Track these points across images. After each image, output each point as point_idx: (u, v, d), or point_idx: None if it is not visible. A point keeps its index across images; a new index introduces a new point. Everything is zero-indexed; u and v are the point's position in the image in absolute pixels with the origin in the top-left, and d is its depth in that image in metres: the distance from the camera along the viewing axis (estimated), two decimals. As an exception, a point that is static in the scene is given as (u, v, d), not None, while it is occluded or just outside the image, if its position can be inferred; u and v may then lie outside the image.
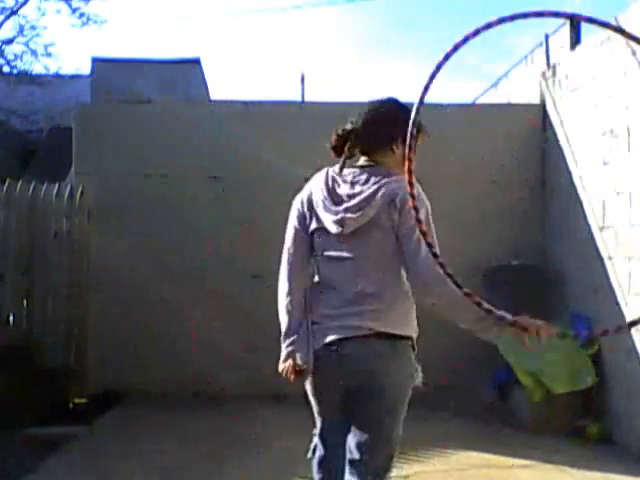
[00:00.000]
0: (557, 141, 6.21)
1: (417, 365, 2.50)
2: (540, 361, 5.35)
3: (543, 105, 6.50)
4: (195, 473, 4.42)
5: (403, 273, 2.45)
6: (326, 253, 2.51)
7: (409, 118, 2.41)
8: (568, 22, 6.43)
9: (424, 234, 2.32)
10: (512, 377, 5.44)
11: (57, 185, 6.32)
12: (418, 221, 2.33)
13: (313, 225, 2.53)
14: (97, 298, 6.43)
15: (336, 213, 2.45)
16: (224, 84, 27.28)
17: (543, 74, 6.55)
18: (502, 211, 6.43)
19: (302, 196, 2.60)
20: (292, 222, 2.59)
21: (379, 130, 2.56)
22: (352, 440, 2.48)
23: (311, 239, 2.54)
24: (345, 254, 2.46)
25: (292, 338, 2.46)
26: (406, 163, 2.33)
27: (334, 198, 2.48)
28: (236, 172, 6.41)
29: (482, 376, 5.78)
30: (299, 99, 7.51)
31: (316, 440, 2.60)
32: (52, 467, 4.52)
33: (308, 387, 2.56)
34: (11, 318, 6.05)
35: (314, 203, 2.53)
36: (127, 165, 6.49)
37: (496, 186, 6.51)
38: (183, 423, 5.53)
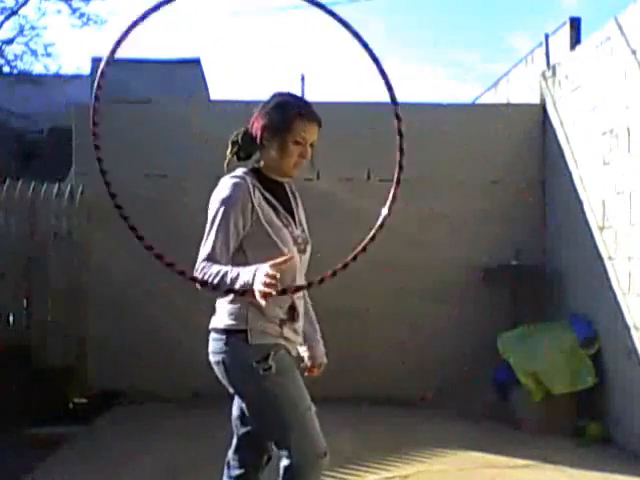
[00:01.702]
0: (557, 141, 6.21)
1: (255, 354, 2.43)
2: (540, 361, 5.35)
3: (543, 105, 6.50)
4: (195, 473, 4.42)
5: None
6: None
7: (266, 113, 2.56)
8: (568, 22, 6.43)
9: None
10: (512, 377, 5.44)
11: (57, 185, 6.33)
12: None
13: None
14: (97, 298, 6.43)
15: None
16: (224, 84, 27.27)
17: (543, 74, 6.55)
18: (502, 211, 6.43)
19: None
20: None
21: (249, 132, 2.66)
22: None
23: None
24: None
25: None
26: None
27: None
28: (236, 172, 6.41)
29: (482, 376, 5.78)
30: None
31: None
32: (52, 467, 4.52)
33: None
34: (11, 318, 6.05)
35: None
36: (127, 165, 6.49)
37: (496, 186, 6.51)
38: (183, 423, 5.53)
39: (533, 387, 5.31)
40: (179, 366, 6.24)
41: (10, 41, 13.61)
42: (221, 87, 32.88)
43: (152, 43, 28.69)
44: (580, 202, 5.72)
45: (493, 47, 32.99)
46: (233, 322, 2.48)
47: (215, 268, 2.32)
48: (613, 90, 5.21)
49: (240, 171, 2.57)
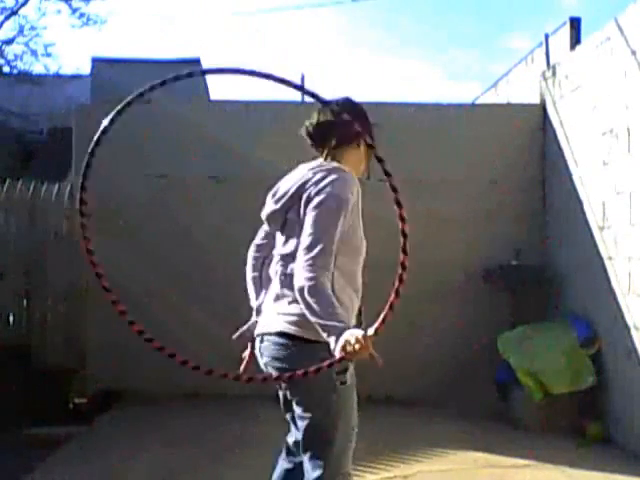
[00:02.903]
0: (557, 141, 6.21)
1: (345, 367, 2.42)
2: (540, 361, 5.35)
3: (543, 105, 6.50)
4: (195, 473, 4.42)
5: None
6: (273, 251, 2.59)
7: (361, 118, 2.50)
8: (568, 22, 6.43)
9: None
10: (512, 377, 5.44)
11: (57, 185, 6.33)
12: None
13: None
14: (97, 298, 6.43)
15: (267, 207, 2.56)
16: (224, 84, 27.28)
17: (543, 74, 6.55)
18: (502, 211, 6.43)
19: None
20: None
21: (327, 136, 2.53)
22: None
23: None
24: (277, 250, 2.53)
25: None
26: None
27: (273, 194, 2.57)
28: (236, 172, 6.41)
29: (482, 376, 5.78)
30: (299, 99, 7.49)
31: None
32: (52, 467, 4.52)
33: None
34: (11, 318, 6.06)
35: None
36: (127, 165, 6.49)
37: (496, 186, 6.50)
38: (183, 423, 5.53)
39: (533, 387, 5.31)
40: (179, 366, 6.23)
41: (10, 41, 13.59)
42: (221, 87, 32.89)
43: (152, 43, 28.71)
44: (580, 202, 5.72)
45: (493, 47, 32.99)
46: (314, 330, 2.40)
47: (328, 297, 2.25)
48: (613, 90, 5.21)
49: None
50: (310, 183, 2.39)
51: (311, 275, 2.25)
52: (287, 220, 2.46)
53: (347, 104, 2.57)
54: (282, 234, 2.50)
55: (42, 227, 6.24)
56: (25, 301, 6.15)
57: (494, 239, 6.40)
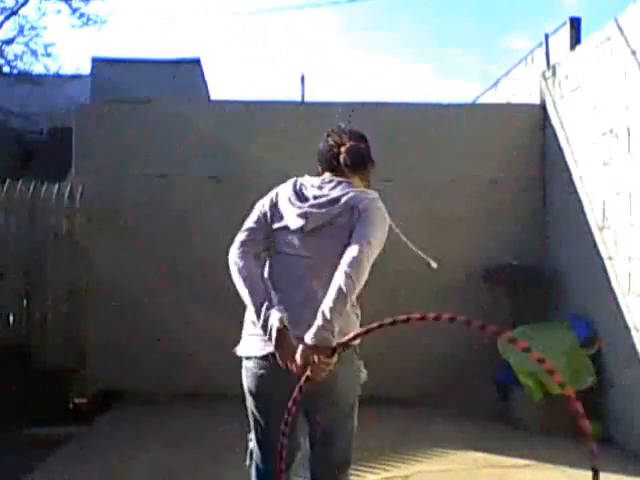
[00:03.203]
0: (557, 141, 6.21)
1: (361, 366, 2.62)
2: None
3: (543, 105, 6.50)
4: (195, 473, 4.42)
5: None
6: (284, 250, 2.54)
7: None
8: (568, 22, 6.43)
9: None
10: (512, 377, 5.44)
11: (57, 185, 6.33)
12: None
13: (275, 224, 2.58)
14: (97, 298, 6.43)
15: (300, 208, 2.53)
16: (224, 84, 27.25)
17: (543, 74, 6.55)
18: (502, 211, 6.43)
19: (267, 198, 2.67)
20: (252, 218, 2.65)
21: (362, 163, 2.71)
22: (310, 447, 2.63)
23: (270, 239, 2.60)
24: (302, 253, 2.50)
25: (267, 306, 2.48)
26: None
27: (300, 197, 2.58)
28: (236, 172, 6.41)
29: (482, 376, 5.78)
30: (299, 99, 7.49)
31: (252, 445, 2.81)
32: (52, 467, 4.52)
33: (251, 391, 2.66)
34: (11, 318, 6.06)
35: (279, 202, 2.60)
36: (127, 165, 6.49)
37: (496, 186, 6.51)
38: (183, 423, 5.53)
39: (533, 387, 5.31)
40: (179, 366, 6.24)
41: (10, 41, 13.59)
42: (221, 87, 32.88)
43: (152, 43, 28.71)
44: (580, 202, 5.72)
45: (493, 47, 33.00)
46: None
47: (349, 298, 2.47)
48: (613, 90, 5.21)
49: None
50: (360, 199, 2.52)
51: (358, 270, 2.41)
52: (332, 224, 2.50)
53: (361, 134, 2.79)
54: (313, 237, 2.50)
55: (42, 227, 6.24)
56: (25, 301, 6.15)
57: (494, 239, 6.39)
